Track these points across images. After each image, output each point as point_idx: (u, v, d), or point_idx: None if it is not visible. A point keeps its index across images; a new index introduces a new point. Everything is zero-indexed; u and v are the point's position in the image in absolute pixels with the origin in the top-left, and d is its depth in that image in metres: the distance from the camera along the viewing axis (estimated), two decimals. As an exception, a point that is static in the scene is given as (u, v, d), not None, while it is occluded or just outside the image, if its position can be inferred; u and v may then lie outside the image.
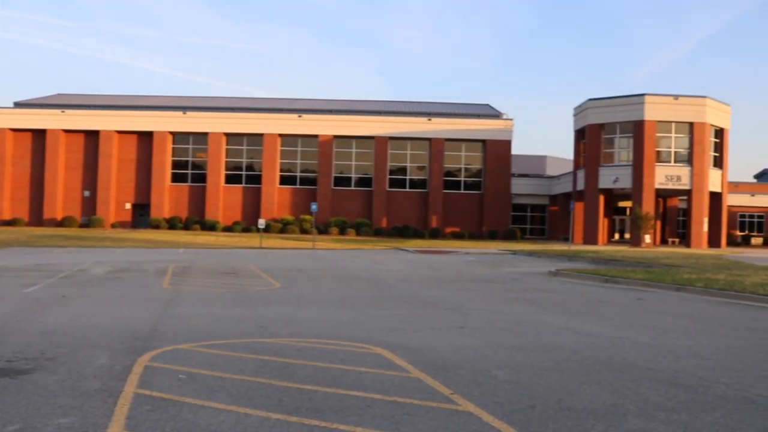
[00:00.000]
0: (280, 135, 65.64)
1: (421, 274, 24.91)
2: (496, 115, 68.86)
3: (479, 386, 7.55)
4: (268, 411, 6.41)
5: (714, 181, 56.52)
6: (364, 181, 66.70)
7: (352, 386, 7.40)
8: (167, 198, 65.21)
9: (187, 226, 63.08)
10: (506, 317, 13.34)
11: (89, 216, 63.89)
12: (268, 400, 6.78)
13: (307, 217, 61.63)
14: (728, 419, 6.50)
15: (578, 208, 57.90)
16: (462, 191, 67.20)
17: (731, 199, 60.18)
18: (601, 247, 50.34)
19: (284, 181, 66.17)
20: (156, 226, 62.25)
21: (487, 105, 75.09)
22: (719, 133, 57.36)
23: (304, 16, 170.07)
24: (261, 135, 65.32)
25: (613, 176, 55.92)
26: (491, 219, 66.19)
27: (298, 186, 66.20)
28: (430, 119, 66.38)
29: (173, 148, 66.05)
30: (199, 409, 6.47)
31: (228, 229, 63.34)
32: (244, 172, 66.31)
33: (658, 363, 9.07)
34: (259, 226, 49.87)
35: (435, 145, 65.93)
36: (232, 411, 6.41)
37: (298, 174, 66.52)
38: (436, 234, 64.09)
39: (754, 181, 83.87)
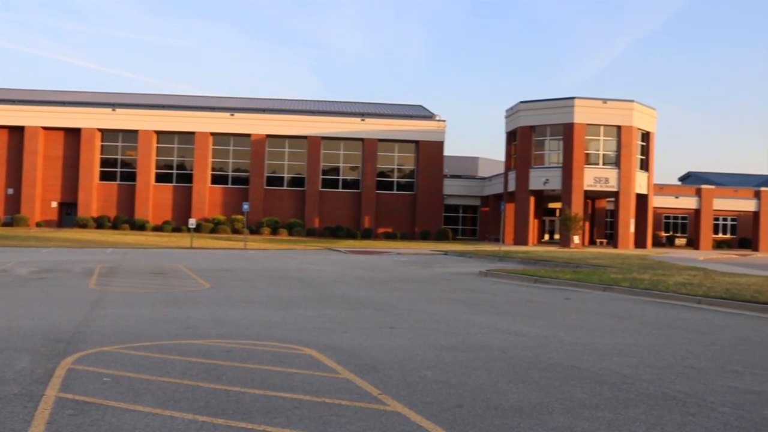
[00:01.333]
0: (212, 134, 64.91)
1: (353, 274, 24.90)
2: (429, 116, 69.30)
3: (408, 386, 7.58)
4: (195, 413, 6.32)
5: (640, 183, 57.89)
6: (296, 181, 66.42)
7: (280, 387, 7.34)
8: (95, 196, 63.85)
9: (115, 225, 61.91)
10: (436, 317, 13.43)
11: (12, 215, 62.10)
12: (194, 403, 6.69)
13: (239, 217, 61.10)
14: (649, 415, 6.65)
15: (509, 209, 58.71)
16: (395, 192, 67.48)
17: (657, 201, 61.69)
18: (532, 248, 51.08)
19: (216, 180, 65.46)
20: (83, 225, 60.88)
21: (421, 106, 75.53)
22: (646, 136, 58.78)
23: (237, 13, 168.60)
24: (192, 133, 64.49)
25: (544, 178, 56.82)
26: (424, 219, 66.61)
27: (229, 185, 65.56)
28: (363, 119, 66.45)
29: (102, 146, 64.70)
30: (124, 412, 6.33)
31: (158, 228, 62.35)
32: (174, 171, 65.38)
33: (583, 361, 9.24)
34: (190, 226, 49.22)
35: (368, 146, 66.04)
36: (158, 414, 6.29)
37: (230, 173, 65.88)
38: (368, 234, 64.19)
39: (679, 183, 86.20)
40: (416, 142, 67.20)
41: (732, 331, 12.66)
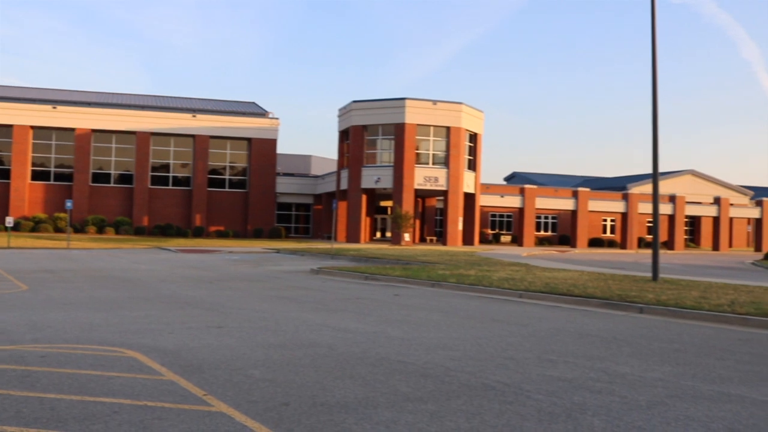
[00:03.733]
0: (33, 127, 61.51)
1: (182, 273, 24.31)
2: (262, 113, 68.73)
3: (234, 386, 7.47)
4: (3, 424, 5.94)
5: (468, 182, 59.90)
6: (124, 178, 64.10)
7: (99, 392, 7.04)
8: None
9: None
10: (266, 316, 13.32)
11: None
12: (4, 413, 6.28)
13: (62, 215, 58.22)
14: (469, 405, 6.88)
15: (342, 208, 59.23)
16: (227, 189, 66.52)
17: (483, 200, 63.98)
18: (364, 246, 51.73)
19: (37, 176, 62.08)
20: None
21: (254, 103, 74.79)
22: (473, 137, 60.86)
23: (63, 1, 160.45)
24: (10, 126, 60.86)
25: (376, 176, 57.65)
26: (256, 218, 66.04)
27: (52, 182, 62.38)
28: (194, 116, 65.04)
29: None
30: None
31: (-30, 227, 58.41)
32: (-11, 167, 61.48)
33: (409, 356, 9.43)
34: (7, 225, 46.32)
35: (199, 143, 64.71)
36: (-39, 425, 5.88)
37: (53, 169, 62.69)
38: (200, 233, 62.92)
39: (504, 183, 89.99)
40: (249, 140, 66.51)
41: (549, 322, 13.32)
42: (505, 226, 76.80)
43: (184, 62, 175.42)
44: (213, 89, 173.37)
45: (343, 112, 61.79)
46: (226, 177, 66.87)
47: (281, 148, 71.07)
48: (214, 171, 66.23)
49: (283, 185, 69.18)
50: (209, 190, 65.39)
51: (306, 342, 10.38)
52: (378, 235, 68.11)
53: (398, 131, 56.80)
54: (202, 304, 15.05)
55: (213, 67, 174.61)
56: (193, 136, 64.71)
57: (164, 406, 6.57)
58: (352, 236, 58.44)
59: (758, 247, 76.85)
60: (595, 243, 71.88)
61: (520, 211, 67.44)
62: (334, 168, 68.74)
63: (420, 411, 6.65)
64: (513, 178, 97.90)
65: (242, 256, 37.77)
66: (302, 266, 29.65)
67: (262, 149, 66.56)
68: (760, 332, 12.74)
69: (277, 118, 67.61)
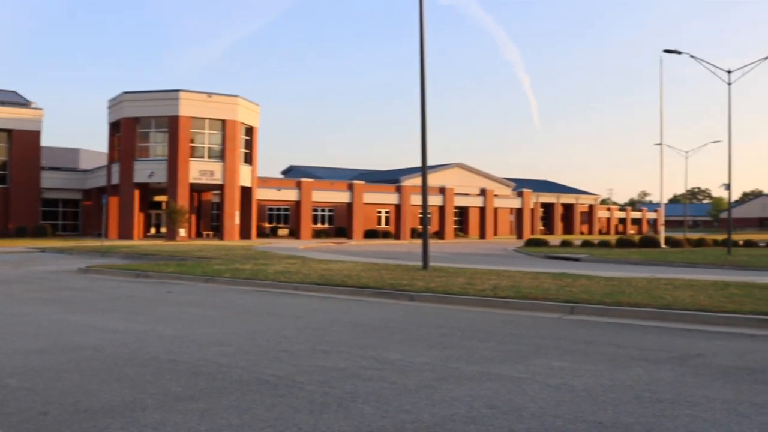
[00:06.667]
0: None
1: (-69, 277, 22.25)
2: (24, 103, 64.34)
3: (-13, 397, 6.92)
4: None
5: (245, 176, 59.47)
6: None
7: None
8: None
9: None
10: (27, 320, 12.47)
11: None
12: None
13: None
14: (241, 401, 6.82)
15: (113, 203, 56.75)
16: (-16, 185, 61.69)
17: (261, 194, 63.82)
18: (137, 242, 49.96)
19: None
20: None
21: (14, 92, 69.73)
22: (249, 130, 60.48)
23: None
24: None
25: (149, 171, 55.82)
26: (19, 215, 61.80)
27: None
28: (-56, 105, 59.69)
29: None
30: None
31: None
32: None
33: (181, 354, 9.20)
34: None
35: (-50, 134, 59.51)
36: None
37: None
38: (-47, 232, 57.92)
39: (282, 176, 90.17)
40: (9, 131, 62.05)
41: (324, 314, 13.51)
42: (283, 219, 77.00)
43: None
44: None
45: (114, 103, 59.17)
46: (-18, 171, 62.06)
47: (47, 141, 66.90)
48: (-32, 165, 61.28)
49: (48, 180, 65.19)
50: (-38, 185, 60.40)
51: (71, 345, 9.83)
52: (153, 231, 65.93)
53: (172, 124, 55.28)
54: (-48, 310, 13.85)
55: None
56: (-58, 127, 59.45)
57: None
58: (125, 233, 56.20)
59: (519, 235, 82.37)
60: (370, 234, 73.84)
61: (297, 204, 67.91)
62: (104, 162, 65.64)
63: (191, 410, 6.50)
64: (290, 172, 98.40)
65: (2, 256, 35.17)
66: (70, 265, 28.08)
67: (25, 141, 62.32)
68: (519, 314, 13.65)
69: (41, 109, 63.58)
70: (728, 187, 41.87)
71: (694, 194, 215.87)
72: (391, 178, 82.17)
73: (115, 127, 59.33)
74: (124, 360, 8.78)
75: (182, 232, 55.27)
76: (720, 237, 56.42)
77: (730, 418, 6.29)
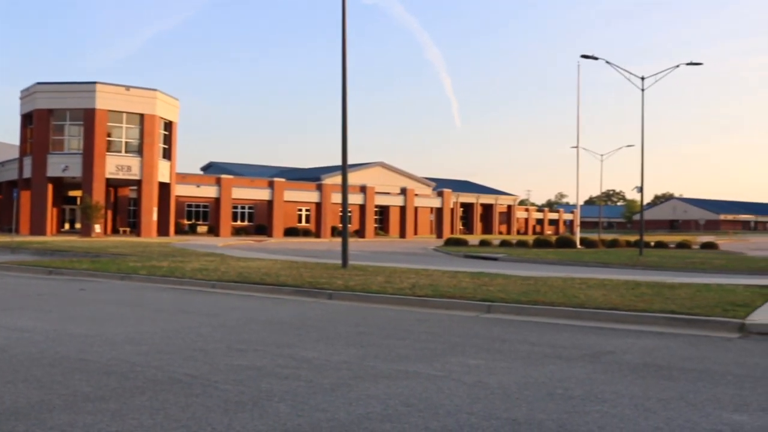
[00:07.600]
0: None
1: None
2: (-71, 92, 61.84)
3: None
4: None
5: (163, 172, 58.44)
6: None
7: None
8: None
9: None
10: (-71, 317, 11.99)
11: None
12: None
13: None
14: (154, 401, 6.67)
15: (25, 197, 55.05)
16: None
17: (179, 190, 62.81)
18: (50, 238, 48.60)
19: None
20: None
21: None
22: (168, 125, 59.47)
23: None
24: None
25: (63, 164, 54.38)
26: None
27: None
28: None
29: None
30: None
31: None
32: None
33: (92, 353, 8.97)
34: None
35: None
36: None
37: None
38: None
39: (201, 173, 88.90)
40: None
41: (241, 312, 13.37)
42: (202, 216, 75.93)
43: None
44: None
45: (26, 94, 57.38)
46: None
47: (-48, 132, 64.40)
48: None
49: (-47, 174, 62.86)
50: None
51: (-26, 345, 9.48)
52: (67, 226, 64.19)
53: (88, 117, 53.93)
54: None
55: None
56: None
57: None
58: (37, 228, 54.56)
59: (439, 234, 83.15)
60: (291, 232, 73.42)
61: (217, 201, 67.09)
62: (16, 154, 63.55)
63: (101, 411, 6.33)
64: (210, 168, 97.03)
65: None
66: (-24, 261, 27.10)
67: (-71, 132, 59.92)
68: (436, 312, 13.76)
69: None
70: (641, 190, 43.13)
71: (609, 196, 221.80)
72: (312, 177, 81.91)
73: (27, 118, 57.55)
74: (32, 360, 8.50)
75: (98, 228, 54.00)
76: (633, 238, 58.06)
77: (638, 414, 6.46)
